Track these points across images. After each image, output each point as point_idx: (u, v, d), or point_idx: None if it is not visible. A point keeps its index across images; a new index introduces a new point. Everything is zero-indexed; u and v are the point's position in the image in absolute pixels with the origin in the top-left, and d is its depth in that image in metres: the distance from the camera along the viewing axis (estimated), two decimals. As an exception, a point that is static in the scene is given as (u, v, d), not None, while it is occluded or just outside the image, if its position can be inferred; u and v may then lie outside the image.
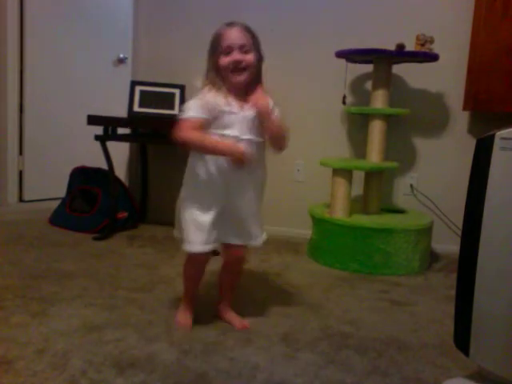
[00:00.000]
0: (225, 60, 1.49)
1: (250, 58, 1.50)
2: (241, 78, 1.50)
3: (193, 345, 1.53)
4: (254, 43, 1.52)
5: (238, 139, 1.49)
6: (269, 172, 3.17)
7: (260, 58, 1.55)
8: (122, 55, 3.71)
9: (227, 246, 1.64)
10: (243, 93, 1.54)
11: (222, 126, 1.50)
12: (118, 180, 2.97)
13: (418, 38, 2.52)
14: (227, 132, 1.50)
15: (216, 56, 1.51)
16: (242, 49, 1.49)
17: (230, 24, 1.51)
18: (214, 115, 1.48)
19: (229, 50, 1.49)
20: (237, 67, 1.49)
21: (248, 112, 1.52)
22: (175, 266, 2.30)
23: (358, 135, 2.85)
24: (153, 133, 3.07)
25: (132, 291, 1.95)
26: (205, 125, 1.48)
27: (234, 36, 1.49)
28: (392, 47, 2.47)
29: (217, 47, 1.51)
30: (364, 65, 2.71)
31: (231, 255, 1.67)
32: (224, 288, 1.75)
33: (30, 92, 3.44)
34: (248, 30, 1.52)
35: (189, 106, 1.51)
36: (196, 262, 1.61)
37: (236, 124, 1.51)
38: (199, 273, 1.67)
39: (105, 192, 2.92)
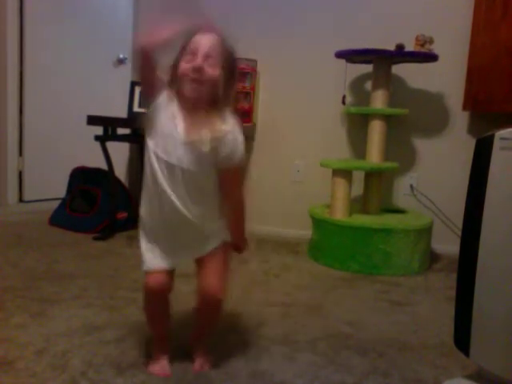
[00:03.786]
0: (185, 66, 1.23)
1: (212, 71, 1.22)
2: (196, 91, 1.23)
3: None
4: (225, 60, 1.25)
5: (174, 167, 1.24)
6: (269, 172, 3.17)
7: (230, 81, 1.27)
8: (121, 55, 3.71)
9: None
10: (199, 116, 1.25)
11: (161, 146, 1.25)
12: (117, 180, 2.97)
13: (417, 39, 2.52)
14: (164, 156, 1.24)
15: (178, 59, 1.25)
16: (207, 59, 1.22)
17: (208, 30, 1.27)
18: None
19: (193, 54, 1.23)
20: (195, 76, 1.22)
21: (197, 142, 1.23)
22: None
23: (357, 135, 2.84)
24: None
25: (132, 291, 1.94)
26: None
27: (204, 42, 1.24)
28: (392, 47, 2.47)
29: (183, 49, 1.26)
30: (364, 65, 2.71)
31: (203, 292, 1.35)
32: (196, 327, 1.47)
33: (29, 92, 3.44)
34: (224, 44, 1.26)
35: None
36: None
37: (177, 151, 1.24)
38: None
39: (105, 192, 2.92)
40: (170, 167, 1.25)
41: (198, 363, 1.40)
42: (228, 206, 1.33)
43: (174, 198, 1.26)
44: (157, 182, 1.26)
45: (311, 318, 1.80)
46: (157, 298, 1.36)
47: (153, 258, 1.34)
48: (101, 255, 2.42)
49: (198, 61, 1.22)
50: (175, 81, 1.26)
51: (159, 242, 1.35)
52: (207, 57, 1.23)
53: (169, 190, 1.26)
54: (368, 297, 2.06)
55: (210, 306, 1.37)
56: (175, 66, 1.26)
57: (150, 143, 1.27)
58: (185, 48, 1.25)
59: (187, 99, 1.25)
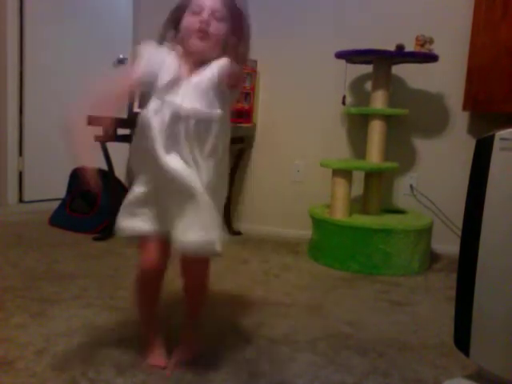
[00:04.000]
0: (190, 20, 1.24)
1: (219, 26, 1.24)
2: (202, 44, 1.23)
3: (193, 345, 1.53)
4: (232, 15, 1.26)
5: (179, 108, 1.22)
6: (269, 173, 3.17)
7: (237, 36, 1.27)
8: (121, 56, 3.71)
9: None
10: (199, 65, 1.26)
11: (162, 90, 1.24)
12: (117, 180, 2.96)
13: (417, 39, 2.52)
14: (168, 98, 1.23)
15: (181, 14, 1.26)
16: (214, 14, 1.24)
17: None
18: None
19: (198, 11, 1.23)
20: (202, 30, 1.22)
21: (198, 79, 1.24)
22: (174, 266, 2.29)
23: (357, 136, 2.85)
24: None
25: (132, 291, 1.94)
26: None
27: None
28: (392, 48, 2.47)
29: (185, 5, 1.26)
30: (364, 65, 2.71)
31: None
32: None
33: (29, 92, 3.44)
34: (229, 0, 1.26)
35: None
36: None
37: (181, 90, 1.24)
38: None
39: (105, 193, 2.92)
40: (173, 120, 1.22)
41: (177, 353, 1.40)
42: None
43: (172, 164, 1.22)
44: (153, 148, 1.22)
45: (311, 318, 1.80)
46: (150, 274, 1.40)
47: (135, 222, 1.33)
48: (101, 255, 2.42)
49: (204, 15, 1.22)
50: (179, 35, 1.26)
51: (150, 207, 1.31)
52: (213, 12, 1.23)
53: (168, 156, 1.22)
54: (368, 297, 2.06)
55: (195, 283, 1.41)
56: (179, 19, 1.26)
57: (153, 101, 1.24)
58: (186, 5, 1.26)
59: (192, 53, 1.25)
